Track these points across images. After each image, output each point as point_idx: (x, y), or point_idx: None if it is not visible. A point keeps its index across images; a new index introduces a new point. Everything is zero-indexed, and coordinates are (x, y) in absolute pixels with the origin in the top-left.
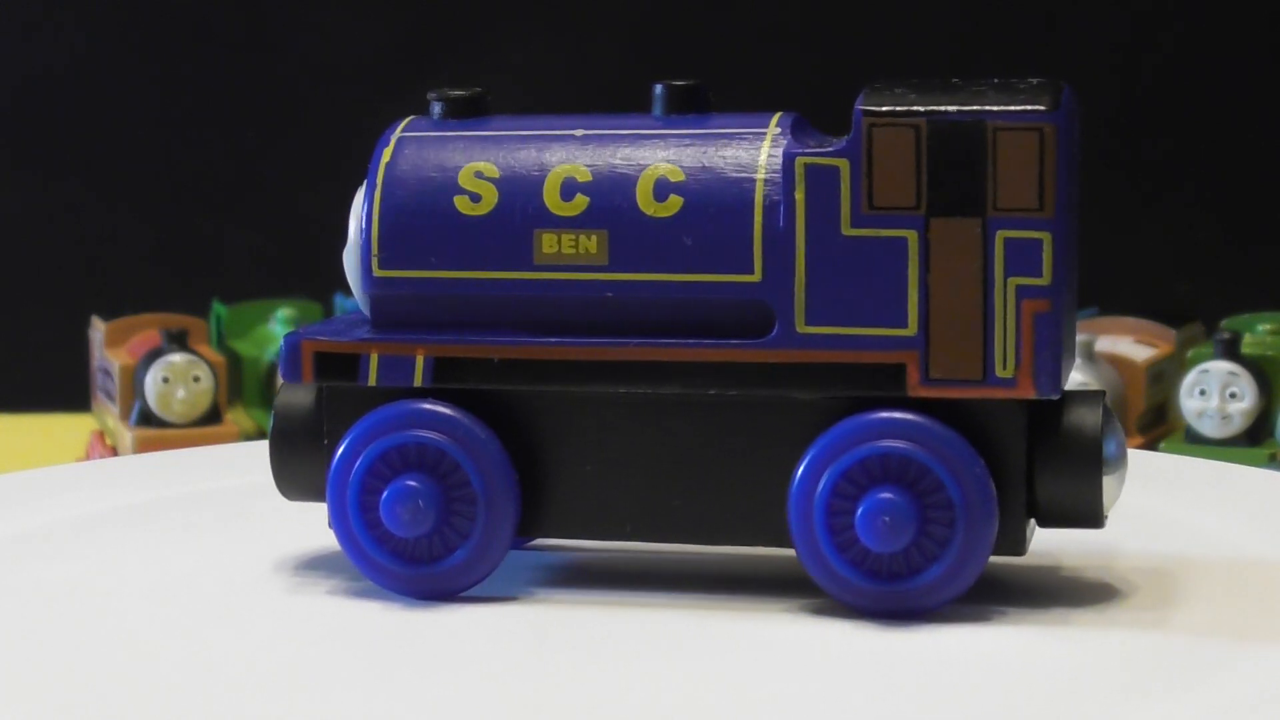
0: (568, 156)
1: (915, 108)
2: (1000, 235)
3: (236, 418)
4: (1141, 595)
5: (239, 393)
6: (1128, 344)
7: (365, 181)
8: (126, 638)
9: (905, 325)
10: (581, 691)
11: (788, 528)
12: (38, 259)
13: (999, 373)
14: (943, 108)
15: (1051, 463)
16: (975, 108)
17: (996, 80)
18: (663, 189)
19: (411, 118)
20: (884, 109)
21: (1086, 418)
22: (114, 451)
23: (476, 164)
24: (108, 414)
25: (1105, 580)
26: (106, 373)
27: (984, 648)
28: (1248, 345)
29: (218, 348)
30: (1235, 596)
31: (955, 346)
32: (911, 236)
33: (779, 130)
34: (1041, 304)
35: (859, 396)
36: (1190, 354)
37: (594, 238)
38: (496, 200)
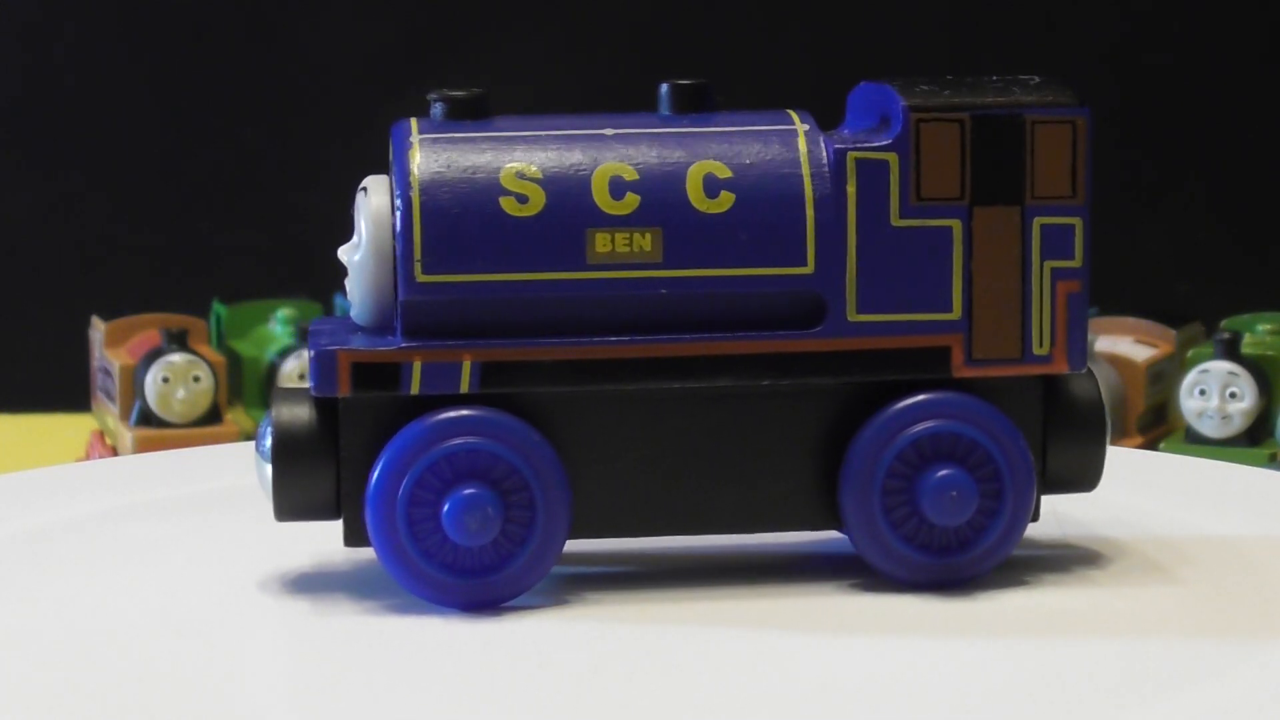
0: (608, 155)
1: (960, 103)
2: (1037, 221)
3: (236, 418)
4: (1140, 595)
5: (239, 393)
6: (1128, 344)
7: (393, 183)
8: (126, 639)
9: (950, 310)
10: (629, 692)
11: (836, 510)
12: (38, 259)
13: (1036, 351)
14: (985, 102)
15: (1063, 432)
16: (1014, 102)
17: (995, 76)
18: (712, 185)
19: (417, 119)
20: (931, 105)
21: (1090, 389)
22: (114, 451)
23: (517, 165)
24: (108, 414)
25: (1104, 580)
26: (106, 373)
27: (981, 649)
28: (1248, 345)
29: (218, 348)
30: (1235, 597)
31: (996, 328)
32: (956, 225)
33: (807, 126)
34: (1074, 285)
35: (904, 380)
36: (1190, 354)
37: (648, 235)
38: (545, 201)
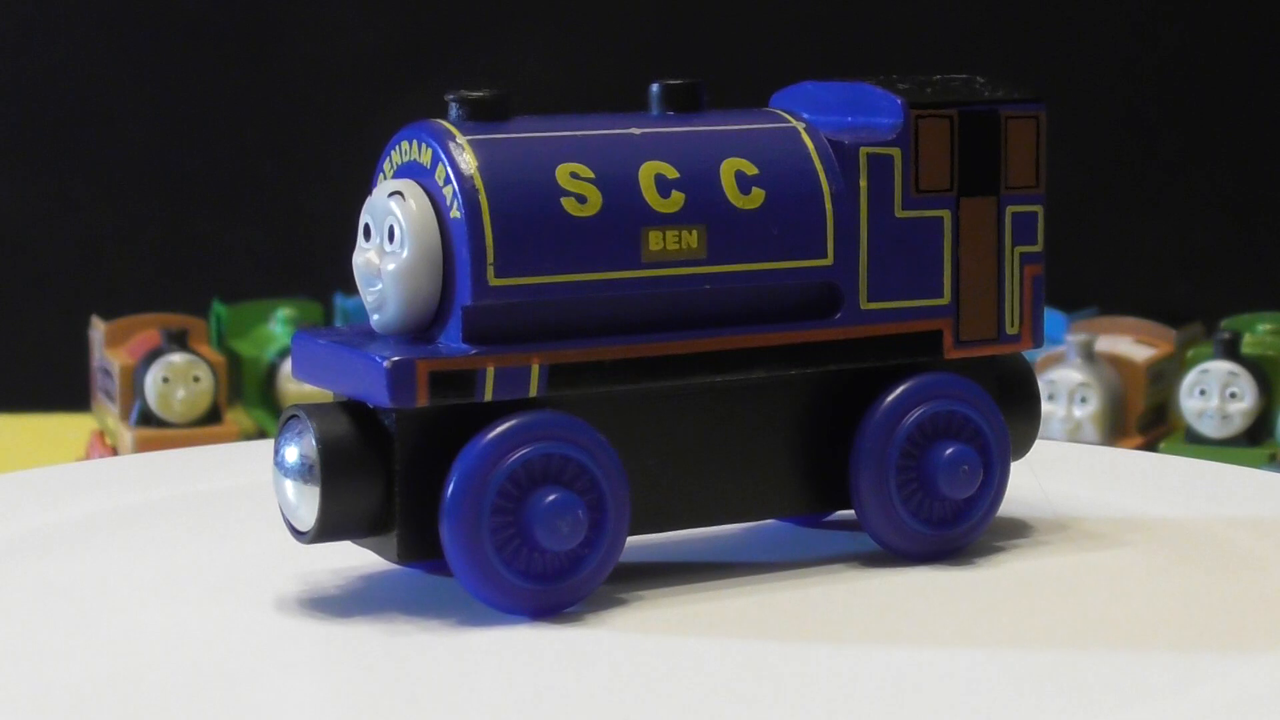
0: (644, 154)
1: (948, 99)
2: (1009, 210)
3: (236, 418)
4: (1140, 595)
5: (239, 393)
6: (1128, 344)
7: (447, 185)
8: (126, 639)
9: (942, 295)
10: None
11: (845, 489)
12: (38, 259)
13: (1009, 330)
14: (969, 99)
15: (1009, 405)
16: (990, 98)
17: (940, 75)
18: (744, 181)
19: (446, 120)
20: (926, 101)
21: (1024, 366)
22: (114, 451)
23: (569, 165)
24: (108, 414)
25: (1103, 581)
26: (106, 373)
27: (979, 653)
28: (1248, 345)
29: (218, 348)
30: (1234, 597)
31: (978, 310)
32: (946, 216)
33: (803, 124)
34: (1037, 268)
35: (902, 363)
36: (1190, 354)
37: (694, 232)
38: (601, 201)
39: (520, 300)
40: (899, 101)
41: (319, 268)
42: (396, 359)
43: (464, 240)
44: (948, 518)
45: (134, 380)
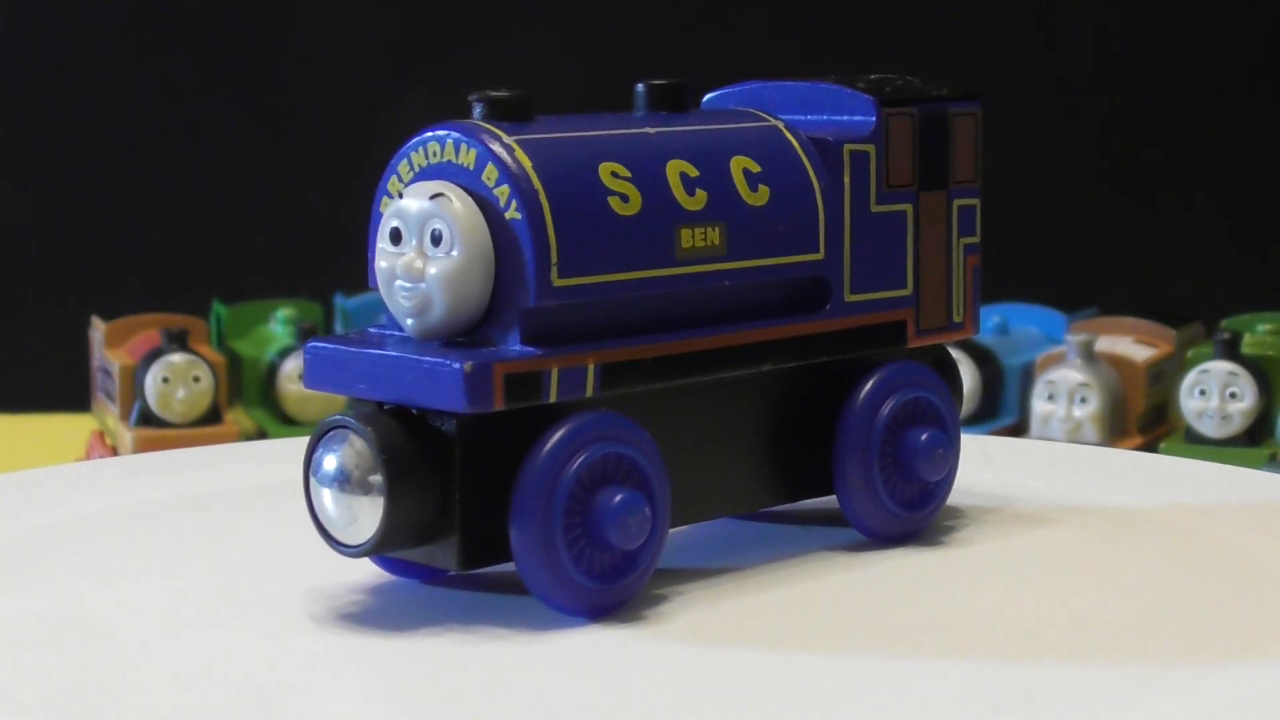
0: (668, 153)
1: (908, 98)
2: (955, 203)
3: (236, 418)
4: (1139, 595)
5: (239, 393)
6: (1128, 344)
7: (502, 186)
8: (126, 639)
9: (905, 287)
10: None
11: (824, 477)
12: (38, 259)
13: (955, 319)
14: (923, 97)
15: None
16: (940, 96)
17: (875, 75)
18: (751, 179)
19: (475, 121)
20: (895, 100)
21: (944, 352)
22: (114, 451)
23: (608, 164)
24: (108, 414)
25: (1102, 580)
26: (106, 373)
27: (977, 655)
28: (1248, 345)
29: (218, 348)
30: (1233, 597)
31: (933, 300)
32: (909, 210)
33: (781, 122)
34: (976, 258)
35: (870, 353)
36: (1190, 354)
37: (716, 230)
38: (642, 200)
39: (578, 300)
40: (871, 100)
41: (319, 268)
42: (474, 363)
43: (527, 241)
44: (916, 499)
45: (134, 380)
